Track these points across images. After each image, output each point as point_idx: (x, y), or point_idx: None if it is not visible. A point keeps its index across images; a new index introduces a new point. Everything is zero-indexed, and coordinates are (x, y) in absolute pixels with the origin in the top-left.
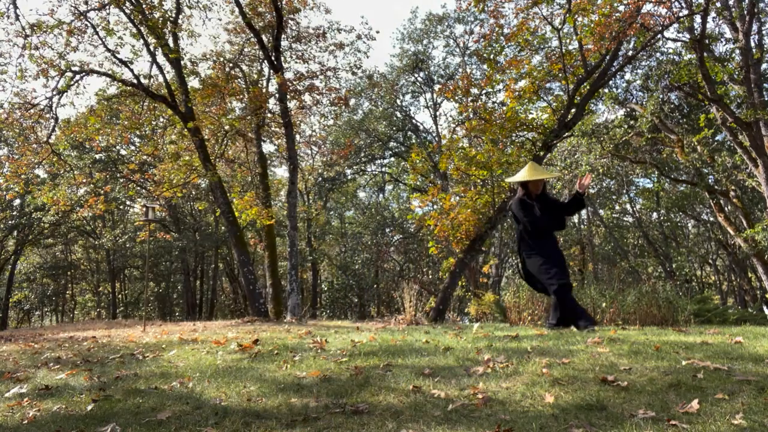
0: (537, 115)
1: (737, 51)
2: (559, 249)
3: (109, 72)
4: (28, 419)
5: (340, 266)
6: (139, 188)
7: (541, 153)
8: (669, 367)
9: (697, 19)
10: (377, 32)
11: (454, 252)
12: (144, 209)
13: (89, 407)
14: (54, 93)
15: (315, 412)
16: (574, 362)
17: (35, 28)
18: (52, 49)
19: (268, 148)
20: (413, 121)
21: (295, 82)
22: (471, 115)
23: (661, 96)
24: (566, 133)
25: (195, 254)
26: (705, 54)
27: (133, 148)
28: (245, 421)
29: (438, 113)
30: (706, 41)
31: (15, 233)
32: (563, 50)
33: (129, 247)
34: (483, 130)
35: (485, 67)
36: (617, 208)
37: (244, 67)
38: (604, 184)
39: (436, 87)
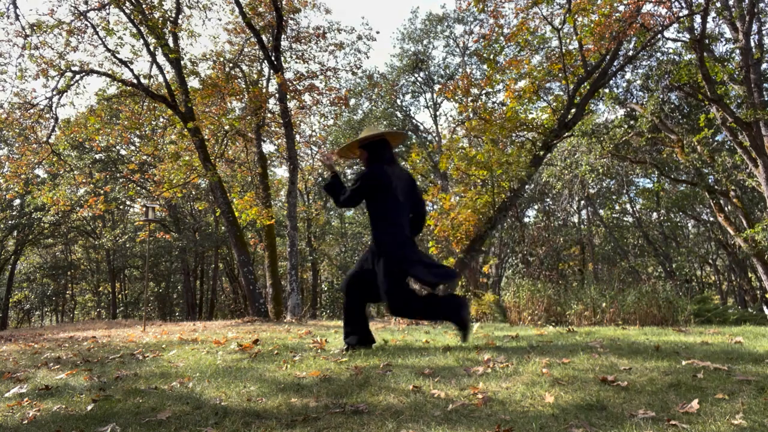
0: (537, 115)
1: (737, 51)
2: (378, 249)
3: (109, 72)
4: (28, 419)
5: (340, 266)
6: (139, 188)
7: (541, 153)
8: (669, 367)
9: (697, 19)
10: (377, 32)
11: (454, 252)
12: (144, 209)
13: (89, 407)
14: (54, 93)
15: (315, 412)
16: (574, 362)
17: (35, 28)
18: (52, 49)
19: (268, 148)
20: (413, 121)
21: (295, 82)
22: (471, 115)
23: (661, 96)
24: (566, 133)
25: (195, 254)
26: (705, 54)
27: (133, 148)
28: (245, 421)
29: (438, 113)
30: (706, 41)
31: (15, 233)
32: (563, 50)
33: (129, 247)
34: (483, 130)
35: (485, 67)
36: (617, 208)
37: (244, 67)
38: (604, 184)
39: (436, 87)
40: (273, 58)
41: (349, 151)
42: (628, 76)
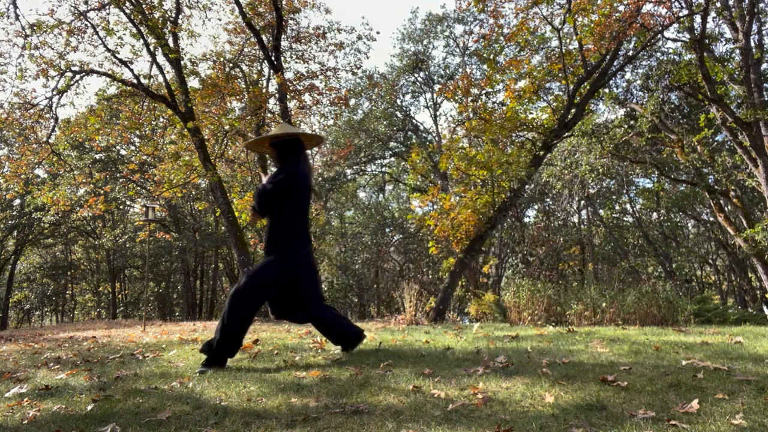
0: (537, 115)
1: (737, 51)
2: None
3: (109, 72)
4: (28, 419)
5: (340, 266)
6: (139, 188)
7: (541, 153)
8: (669, 367)
9: (697, 19)
10: (377, 32)
11: (454, 252)
12: (144, 209)
13: (89, 407)
14: (54, 93)
15: (315, 412)
16: (574, 362)
17: (35, 28)
18: (52, 49)
19: None
20: (413, 121)
21: (295, 82)
22: (471, 115)
23: (661, 96)
24: (566, 133)
25: (195, 254)
26: (705, 54)
27: (133, 148)
28: (245, 421)
29: (438, 113)
30: (706, 41)
31: (15, 233)
32: (563, 50)
33: (129, 247)
34: (483, 130)
35: (485, 67)
36: (617, 208)
37: (244, 67)
38: (604, 184)
39: (436, 87)
40: (273, 58)
41: (260, 146)
42: (628, 76)
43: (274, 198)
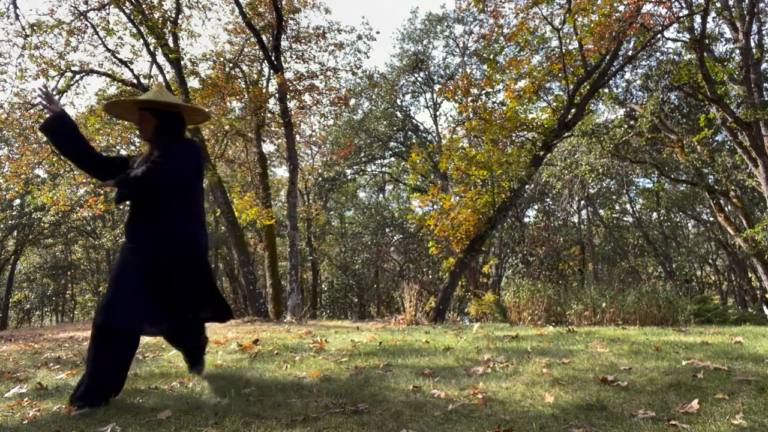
0: (537, 115)
1: (737, 51)
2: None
3: (109, 72)
4: (28, 419)
5: (340, 266)
6: None
7: (541, 153)
8: (669, 367)
9: (697, 19)
10: (377, 32)
11: (454, 252)
12: None
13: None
14: (54, 93)
15: (315, 412)
16: (574, 362)
17: (35, 28)
18: (52, 49)
19: (268, 148)
20: (413, 121)
21: (295, 82)
22: (471, 115)
23: (661, 96)
24: (566, 133)
25: None
26: (705, 54)
27: (133, 148)
28: (245, 421)
29: (438, 113)
30: (706, 41)
31: (15, 233)
32: (563, 50)
33: None
34: (483, 130)
35: (485, 67)
36: (617, 208)
37: (244, 67)
38: (604, 184)
39: (436, 87)
40: (273, 58)
41: (125, 110)
42: (628, 76)
43: (184, 177)
